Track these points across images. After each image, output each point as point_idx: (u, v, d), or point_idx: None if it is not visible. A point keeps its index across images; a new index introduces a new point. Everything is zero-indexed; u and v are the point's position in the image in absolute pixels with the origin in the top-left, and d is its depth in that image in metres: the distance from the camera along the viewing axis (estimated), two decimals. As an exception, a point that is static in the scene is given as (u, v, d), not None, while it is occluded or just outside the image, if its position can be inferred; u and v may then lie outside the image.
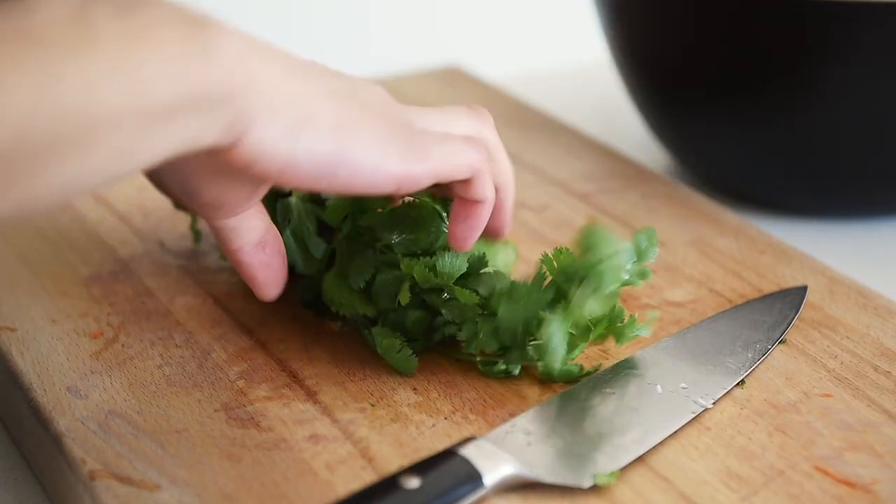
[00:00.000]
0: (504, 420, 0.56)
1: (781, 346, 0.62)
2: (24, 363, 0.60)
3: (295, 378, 0.60)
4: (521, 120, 0.91)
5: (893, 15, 0.70)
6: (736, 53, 0.76)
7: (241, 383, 0.59)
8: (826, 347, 0.62)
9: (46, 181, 0.42)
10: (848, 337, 0.63)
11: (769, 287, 0.68)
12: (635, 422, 0.55)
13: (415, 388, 0.59)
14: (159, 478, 0.53)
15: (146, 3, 0.45)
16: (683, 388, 0.58)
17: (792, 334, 0.63)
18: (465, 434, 0.55)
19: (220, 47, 0.46)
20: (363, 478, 0.53)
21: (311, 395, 0.58)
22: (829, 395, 0.59)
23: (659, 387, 0.58)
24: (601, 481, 0.52)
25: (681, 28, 0.79)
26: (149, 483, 0.52)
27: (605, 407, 0.56)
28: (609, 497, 0.52)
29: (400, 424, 0.56)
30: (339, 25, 1.25)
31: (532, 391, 0.59)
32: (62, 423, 0.56)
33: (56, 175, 0.42)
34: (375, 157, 0.51)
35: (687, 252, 0.72)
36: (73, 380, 0.59)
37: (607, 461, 0.53)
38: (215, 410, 0.57)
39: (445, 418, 0.57)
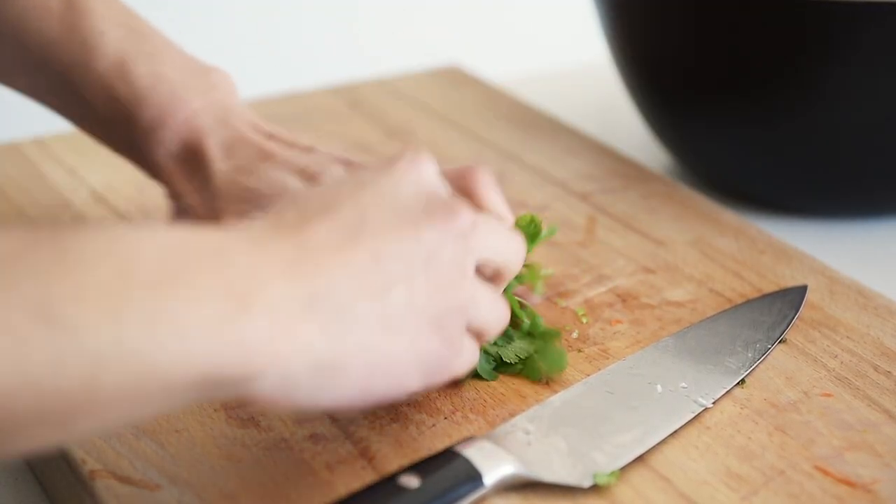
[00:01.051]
0: (504, 419, 0.56)
1: (781, 346, 0.62)
2: (25, 363, 0.60)
3: (295, 378, 0.60)
4: (521, 120, 0.91)
5: (893, 15, 0.70)
6: (736, 53, 0.76)
7: (241, 383, 0.59)
8: (826, 347, 0.62)
9: (15, 443, 0.40)
10: (848, 337, 0.63)
11: (769, 287, 0.68)
12: (635, 421, 0.55)
13: (415, 388, 0.59)
14: (159, 478, 0.53)
15: (188, 277, 0.42)
16: (683, 387, 0.58)
17: (792, 334, 0.63)
18: (465, 434, 0.55)
19: (252, 324, 0.42)
20: (363, 478, 0.53)
21: (311, 395, 0.58)
22: (829, 395, 0.59)
23: (659, 386, 0.58)
24: (601, 481, 0.52)
25: (681, 28, 0.79)
26: (149, 483, 0.52)
27: (605, 406, 0.56)
28: (609, 497, 0.52)
29: (400, 424, 0.56)
30: (339, 25, 1.25)
31: (532, 391, 0.59)
32: (62, 422, 0.56)
33: (30, 438, 0.40)
34: (397, 385, 0.49)
35: (687, 252, 0.72)
36: (74, 380, 0.59)
37: (607, 461, 0.53)
38: (215, 410, 0.57)
39: (445, 418, 0.57)
